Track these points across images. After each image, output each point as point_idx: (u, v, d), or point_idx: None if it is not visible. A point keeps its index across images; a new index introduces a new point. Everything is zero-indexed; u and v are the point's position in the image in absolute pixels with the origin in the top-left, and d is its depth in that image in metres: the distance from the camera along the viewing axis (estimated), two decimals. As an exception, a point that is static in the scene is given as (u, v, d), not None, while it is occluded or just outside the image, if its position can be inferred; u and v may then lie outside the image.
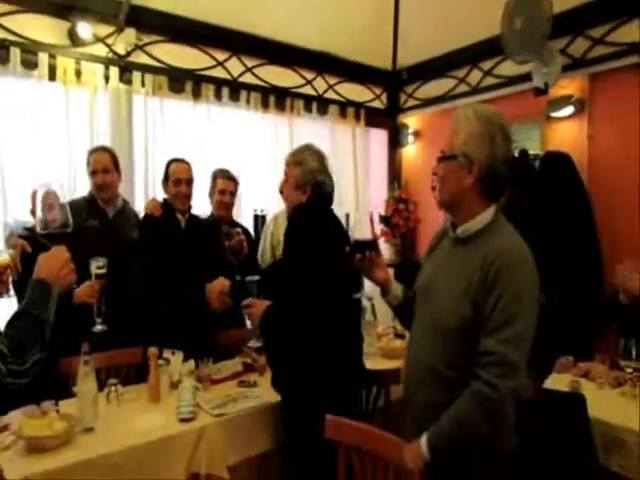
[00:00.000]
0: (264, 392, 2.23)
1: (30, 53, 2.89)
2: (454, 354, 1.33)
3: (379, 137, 5.04)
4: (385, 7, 4.15)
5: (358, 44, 4.29)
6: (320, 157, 2.11)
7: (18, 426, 1.82)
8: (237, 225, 3.13)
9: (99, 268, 2.18)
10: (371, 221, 1.56)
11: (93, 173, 2.66)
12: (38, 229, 1.36)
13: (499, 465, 1.33)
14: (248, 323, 2.06)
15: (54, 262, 1.22)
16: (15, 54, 2.83)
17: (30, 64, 2.90)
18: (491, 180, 1.35)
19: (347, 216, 4.70)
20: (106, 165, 2.67)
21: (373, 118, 4.79)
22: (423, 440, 1.32)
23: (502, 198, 1.40)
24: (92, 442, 1.84)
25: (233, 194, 3.05)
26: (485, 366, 1.26)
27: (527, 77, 3.61)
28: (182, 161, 2.75)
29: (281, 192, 2.12)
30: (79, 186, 2.84)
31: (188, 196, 2.70)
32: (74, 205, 2.58)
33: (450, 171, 1.38)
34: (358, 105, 4.64)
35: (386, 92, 4.90)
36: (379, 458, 1.49)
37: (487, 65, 4.11)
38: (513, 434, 1.38)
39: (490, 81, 4.12)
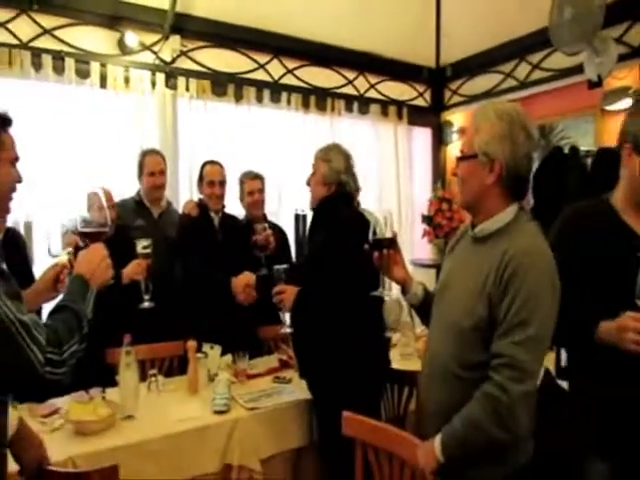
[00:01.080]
0: (298, 389, 2.26)
1: (83, 63, 3.09)
2: (468, 354, 1.30)
3: (422, 135, 4.97)
4: (427, 4, 4.10)
5: (400, 42, 4.27)
6: (346, 157, 2.18)
7: (66, 410, 1.95)
8: (268, 223, 3.18)
9: (144, 248, 2.33)
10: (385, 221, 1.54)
11: (151, 174, 2.80)
12: (79, 227, 1.45)
13: (512, 477, 1.29)
14: (282, 316, 2.09)
15: (92, 259, 1.28)
16: (70, 64, 3.03)
17: (83, 73, 3.10)
18: (513, 178, 1.31)
19: (389, 215, 4.71)
20: (162, 167, 2.83)
21: (416, 116, 4.74)
22: (437, 440, 1.30)
23: (526, 196, 1.36)
24: (132, 428, 1.94)
25: (262, 191, 3.06)
26: (496, 368, 1.23)
27: (580, 69, 3.45)
28: (216, 163, 2.84)
29: (308, 184, 2.18)
30: (127, 187, 2.97)
31: (221, 197, 2.80)
32: (123, 205, 2.80)
33: (471, 171, 1.35)
34: (400, 103, 4.60)
35: (429, 89, 4.82)
36: (395, 456, 1.48)
37: (536, 58, 3.96)
38: (530, 444, 1.34)
39: (539, 74, 3.97)
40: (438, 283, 1.50)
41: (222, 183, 2.80)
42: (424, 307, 1.53)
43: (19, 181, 1.39)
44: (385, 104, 4.50)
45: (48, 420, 1.94)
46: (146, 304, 2.29)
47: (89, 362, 2.33)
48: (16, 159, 1.37)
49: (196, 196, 2.95)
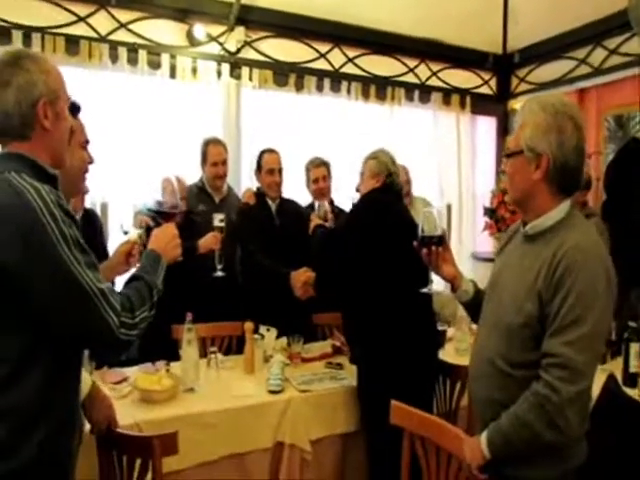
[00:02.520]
0: (349, 375, 2.30)
1: (155, 54, 3.25)
2: (517, 353, 1.27)
3: (486, 125, 4.81)
4: (494, -13, 3.94)
5: (464, 28, 4.15)
6: (391, 156, 2.32)
7: (134, 379, 2.10)
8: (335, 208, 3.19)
9: (220, 221, 2.59)
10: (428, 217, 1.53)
11: (214, 164, 2.91)
12: (153, 207, 1.60)
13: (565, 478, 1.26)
14: None
15: (164, 237, 1.40)
16: (143, 56, 3.20)
17: (154, 64, 3.26)
18: (562, 173, 1.26)
19: (449, 207, 4.61)
20: (224, 157, 2.93)
21: (480, 105, 4.58)
22: (483, 436, 1.29)
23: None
24: (192, 400, 2.07)
25: (326, 178, 3.09)
26: (547, 368, 1.20)
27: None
28: (273, 151, 2.90)
29: (357, 190, 2.27)
30: (193, 172, 3.10)
31: (279, 184, 2.87)
32: (188, 191, 2.93)
33: (517, 167, 1.31)
34: (463, 92, 4.47)
35: (495, 77, 4.65)
36: (442, 449, 1.48)
37: (613, 43, 3.71)
38: (583, 446, 1.30)
39: (616, 60, 3.72)
40: (488, 282, 1.48)
41: (280, 171, 2.87)
42: (474, 305, 1.51)
43: (90, 162, 1.51)
44: (447, 92, 4.39)
45: (118, 387, 2.10)
46: (219, 273, 2.53)
47: (157, 337, 2.52)
48: (87, 142, 1.47)
49: (256, 184, 3.02)
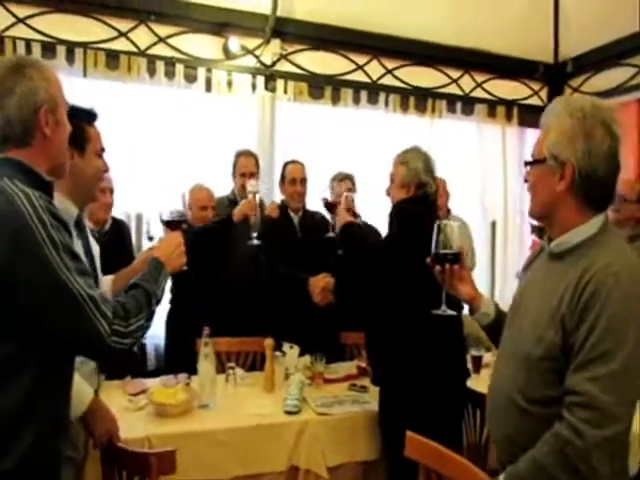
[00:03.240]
0: (373, 399, 2.17)
1: (191, 68, 3.30)
2: (536, 387, 1.12)
3: (536, 137, 4.55)
4: (542, -7, 3.75)
5: (512, 37, 3.98)
6: (426, 158, 2.10)
7: (151, 391, 2.07)
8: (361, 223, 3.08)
9: (252, 186, 2.54)
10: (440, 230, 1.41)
11: (241, 175, 2.92)
12: (163, 217, 1.65)
13: None
14: None
15: (169, 245, 1.41)
16: (179, 70, 3.26)
17: (191, 77, 3.31)
18: (590, 185, 1.11)
19: (493, 224, 4.38)
20: (253, 170, 2.94)
21: (529, 117, 4.33)
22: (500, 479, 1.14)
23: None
24: (206, 416, 2.01)
25: (350, 191, 2.93)
26: (570, 407, 1.04)
27: None
28: (296, 162, 2.88)
29: (388, 194, 2.11)
30: (227, 184, 3.10)
31: (302, 194, 2.82)
32: (219, 203, 2.94)
33: (540, 177, 1.18)
34: (510, 103, 4.27)
35: (546, 87, 4.41)
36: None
37: (678, 48, 3.43)
38: None
39: (682, 67, 3.43)
40: (510, 304, 1.33)
41: (303, 181, 2.83)
42: (496, 329, 1.36)
43: (105, 170, 1.52)
44: (492, 104, 4.20)
45: (134, 399, 2.09)
46: (255, 241, 2.49)
47: (183, 348, 2.50)
48: (102, 150, 1.49)
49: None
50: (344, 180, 2.98)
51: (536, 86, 4.37)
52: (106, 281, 1.74)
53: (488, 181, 4.29)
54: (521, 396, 1.14)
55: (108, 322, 1.05)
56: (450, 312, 1.44)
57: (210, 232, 2.69)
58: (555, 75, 4.34)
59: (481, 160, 4.23)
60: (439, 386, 1.91)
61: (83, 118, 1.42)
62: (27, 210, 1.01)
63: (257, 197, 2.53)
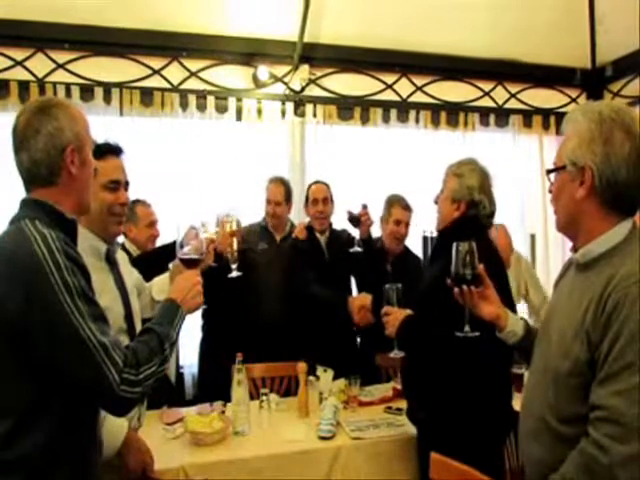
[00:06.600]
0: (409, 422, 2.12)
1: (222, 99, 3.39)
2: (566, 405, 1.07)
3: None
4: (576, -3, 3.64)
5: (545, 44, 3.86)
6: (482, 175, 1.90)
7: (186, 420, 2.10)
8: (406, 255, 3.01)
9: (227, 217, 2.28)
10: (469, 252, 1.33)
11: (268, 202, 2.94)
12: (178, 255, 1.48)
13: None
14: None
15: (185, 285, 1.33)
16: (211, 101, 3.36)
17: (221, 108, 3.40)
18: (612, 189, 1.07)
19: (532, 237, 4.22)
20: (278, 198, 2.92)
21: (567, 125, 4.20)
22: None
23: None
24: (240, 444, 2.02)
25: (408, 225, 2.84)
26: (595, 422, 0.99)
27: None
28: (319, 182, 2.90)
29: (435, 202, 1.99)
30: (259, 213, 3.12)
31: (325, 214, 2.81)
32: (250, 229, 2.98)
33: (561, 185, 1.15)
34: (547, 112, 4.13)
35: (584, 93, 4.26)
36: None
37: None
38: None
39: None
40: (541, 321, 1.28)
41: (325, 200, 2.82)
42: (526, 347, 1.31)
43: (121, 204, 1.50)
44: (528, 114, 4.09)
45: (171, 428, 2.11)
46: (234, 273, 2.15)
47: (219, 375, 2.49)
48: (114, 183, 1.48)
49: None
50: (406, 210, 2.81)
51: (574, 93, 4.22)
52: (147, 292, 1.81)
53: (526, 193, 4.15)
54: (552, 415, 1.10)
55: (118, 370, 1.03)
56: (472, 333, 1.39)
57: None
58: (593, 80, 4.17)
59: (518, 172, 4.11)
60: (483, 416, 1.75)
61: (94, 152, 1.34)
62: (42, 253, 1.01)
63: (233, 226, 2.25)
